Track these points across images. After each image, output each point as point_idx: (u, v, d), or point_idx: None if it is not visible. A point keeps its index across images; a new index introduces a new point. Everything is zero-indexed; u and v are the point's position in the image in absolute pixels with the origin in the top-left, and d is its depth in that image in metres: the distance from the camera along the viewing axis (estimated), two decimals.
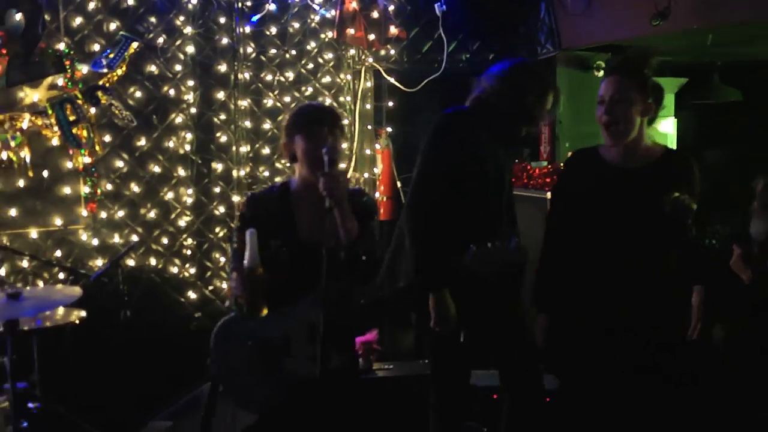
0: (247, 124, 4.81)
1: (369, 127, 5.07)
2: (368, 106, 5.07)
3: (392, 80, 5.05)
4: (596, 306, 2.94)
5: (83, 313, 3.70)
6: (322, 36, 4.93)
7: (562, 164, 4.32)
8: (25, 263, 4.31)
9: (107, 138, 4.52)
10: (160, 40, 4.60)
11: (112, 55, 4.42)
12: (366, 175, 5.06)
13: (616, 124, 2.87)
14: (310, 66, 4.95)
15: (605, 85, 2.90)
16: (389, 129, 5.15)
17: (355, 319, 2.96)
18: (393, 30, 4.88)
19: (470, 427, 3.83)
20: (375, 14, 4.77)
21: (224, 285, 4.80)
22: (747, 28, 4.09)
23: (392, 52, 5.10)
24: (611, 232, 2.90)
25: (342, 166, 2.97)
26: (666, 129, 6.00)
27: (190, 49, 4.67)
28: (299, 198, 2.87)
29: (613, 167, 2.95)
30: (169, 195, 4.70)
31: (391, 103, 5.14)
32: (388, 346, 4.63)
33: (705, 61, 5.84)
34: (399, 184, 5.16)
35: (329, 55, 4.96)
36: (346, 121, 4.87)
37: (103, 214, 4.53)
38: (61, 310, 3.75)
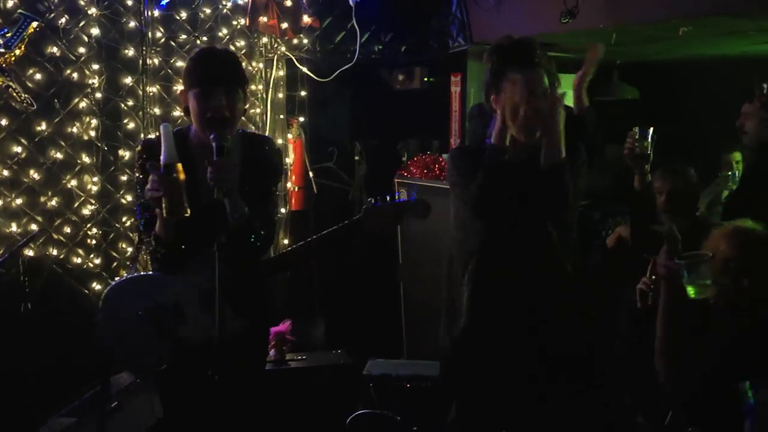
0: (156, 110, 4.66)
1: (281, 116, 5.01)
2: (280, 96, 5.01)
3: (305, 70, 5.01)
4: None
5: None
6: (234, 23, 4.83)
7: None
8: None
9: (4, 122, 4.29)
10: (63, 20, 4.40)
11: (9, 35, 4.18)
12: None
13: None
14: None
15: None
16: (301, 119, 5.12)
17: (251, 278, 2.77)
18: (306, 19, 4.84)
19: (385, 415, 3.87)
20: (288, 2, 4.71)
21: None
22: (649, 29, 4.27)
23: (305, 41, 5.06)
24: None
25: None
26: None
27: (95, 31, 4.47)
28: (197, 150, 2.66)
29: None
30: (72, 183, 4.50)
31: (303, 93, 5.10)
32: (301, 337, 4.61)
33: (605, 59, 6.06)
34: (311, 174, 5.13)
35: (241, 43, 4.87)
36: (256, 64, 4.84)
37: None
38: None
